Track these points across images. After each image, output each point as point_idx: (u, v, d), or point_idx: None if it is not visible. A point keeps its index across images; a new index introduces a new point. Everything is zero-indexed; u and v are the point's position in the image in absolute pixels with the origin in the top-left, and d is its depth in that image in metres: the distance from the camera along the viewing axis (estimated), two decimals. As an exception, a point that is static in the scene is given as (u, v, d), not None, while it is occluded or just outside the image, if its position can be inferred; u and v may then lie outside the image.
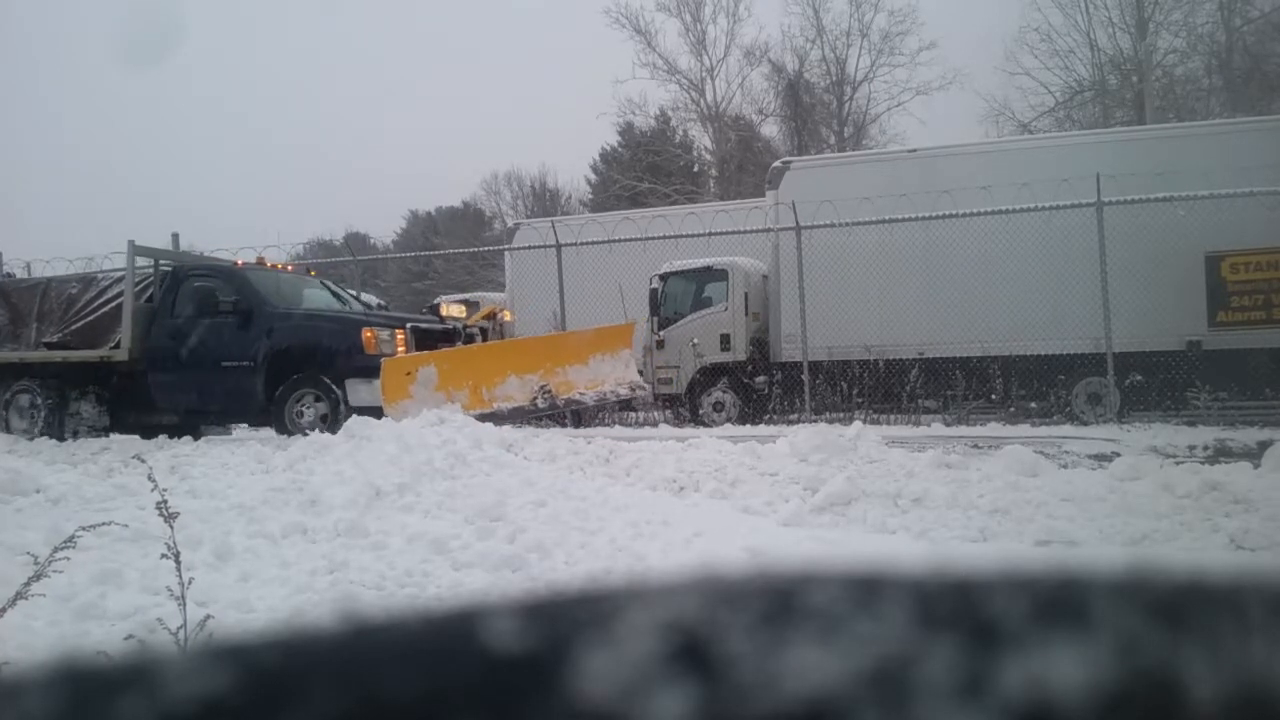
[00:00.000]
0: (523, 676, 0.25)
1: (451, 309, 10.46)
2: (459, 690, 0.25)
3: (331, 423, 8.73)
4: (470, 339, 10.25)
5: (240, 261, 10.93)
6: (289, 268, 11.57)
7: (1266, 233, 10.50)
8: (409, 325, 9.51)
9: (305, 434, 8.53)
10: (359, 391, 8.69)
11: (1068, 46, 27.40)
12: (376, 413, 8.09)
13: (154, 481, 3.07)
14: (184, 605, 2.76)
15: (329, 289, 11.07)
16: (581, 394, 9.89)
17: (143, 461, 3.73)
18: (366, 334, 8.95)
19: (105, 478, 6.94)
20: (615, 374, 10.37)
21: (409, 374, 8.42)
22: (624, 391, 10.36)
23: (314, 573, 4.56)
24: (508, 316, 11.41)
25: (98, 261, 16.13)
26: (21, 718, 0.24)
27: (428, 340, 9.56)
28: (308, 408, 9.09)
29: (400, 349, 9.10)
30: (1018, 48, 27.92)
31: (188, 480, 6.65)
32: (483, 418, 8.24)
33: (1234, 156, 10.42)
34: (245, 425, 10.37)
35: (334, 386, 8.93)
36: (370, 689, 0.25)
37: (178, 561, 2.76)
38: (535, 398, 9.27)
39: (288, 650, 0.27)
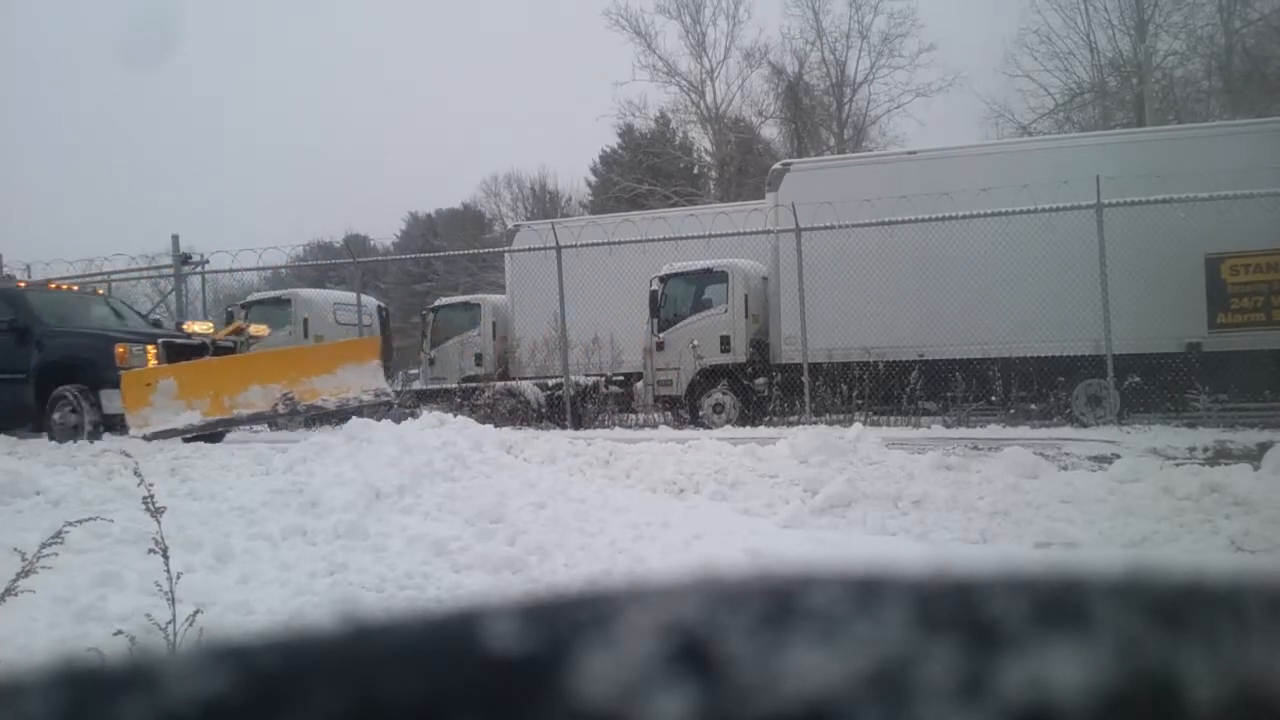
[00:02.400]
0: (523, 678, 0.25)
1: (196, 326, 11.74)
2: (459, 692, 0.25)
3: (86, 429, 9.85)
4: (224, 351, 11.32)
5: (22, 283, 12.44)
6: (73, 288, 12.83)
7: (1266, 235, 10.50)
8: (160, 341, 10.73)
9: (75, 440, 9.57)
10: (112, 400, 9.71)
11: (1067, 48, 27.46)
12: (123, 419, 9.35)
13: (140, 476, 3.06)
14: (173, 601, 2.76)
15: (112, 307, 12.24)
16: (324, 400, 10.84)
17: (128, 455, 3.73)
18: (119, 349, 10.05)
19: (105, 480, 6.93)
20: (362, 382, 11.28)
21: (149, 385, 9.51)
22: (368, 398, 11.25)
23: (314, 574, 4.56)
24: (256, 331, 12.44)
25: (96, 263, 16.24)
26: (21, 719, 0.24)
27: (184, 354, 10.73)
28: (64, 416, 10.13)
29: (151, 362, 10.19)
30: (1017, 50, 27.99)
31: (188, 482, 6.65)
32: (221, 423, 9.94)
33: (1234, 158, 10.42)
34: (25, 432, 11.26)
35: (89, 396, 10.00)
36: (370, 691, 0.25)
37: (165, 556, 2.77)
38: (277, 404, 10.26)
39: (288, 652, 0.27)
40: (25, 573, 2.65)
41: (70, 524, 2.96)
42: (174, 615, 2.74)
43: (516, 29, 73.56)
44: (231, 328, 12.26)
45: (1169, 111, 24.91)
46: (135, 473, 3.13)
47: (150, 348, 10.35)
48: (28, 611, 3.04)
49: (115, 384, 9.58)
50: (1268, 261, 10.80)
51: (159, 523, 2.86)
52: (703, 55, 32.20)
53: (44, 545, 2.74)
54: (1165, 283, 10.73)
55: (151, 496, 2.92)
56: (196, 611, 2.84)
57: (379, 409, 11.12)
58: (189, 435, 9.37)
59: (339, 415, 10.60)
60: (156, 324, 12.82)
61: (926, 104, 36.06)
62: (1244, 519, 5.53)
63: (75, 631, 3.61)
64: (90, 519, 3.34)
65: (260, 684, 0.25)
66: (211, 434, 9.94)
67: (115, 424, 9.57)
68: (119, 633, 3.01)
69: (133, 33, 63.62)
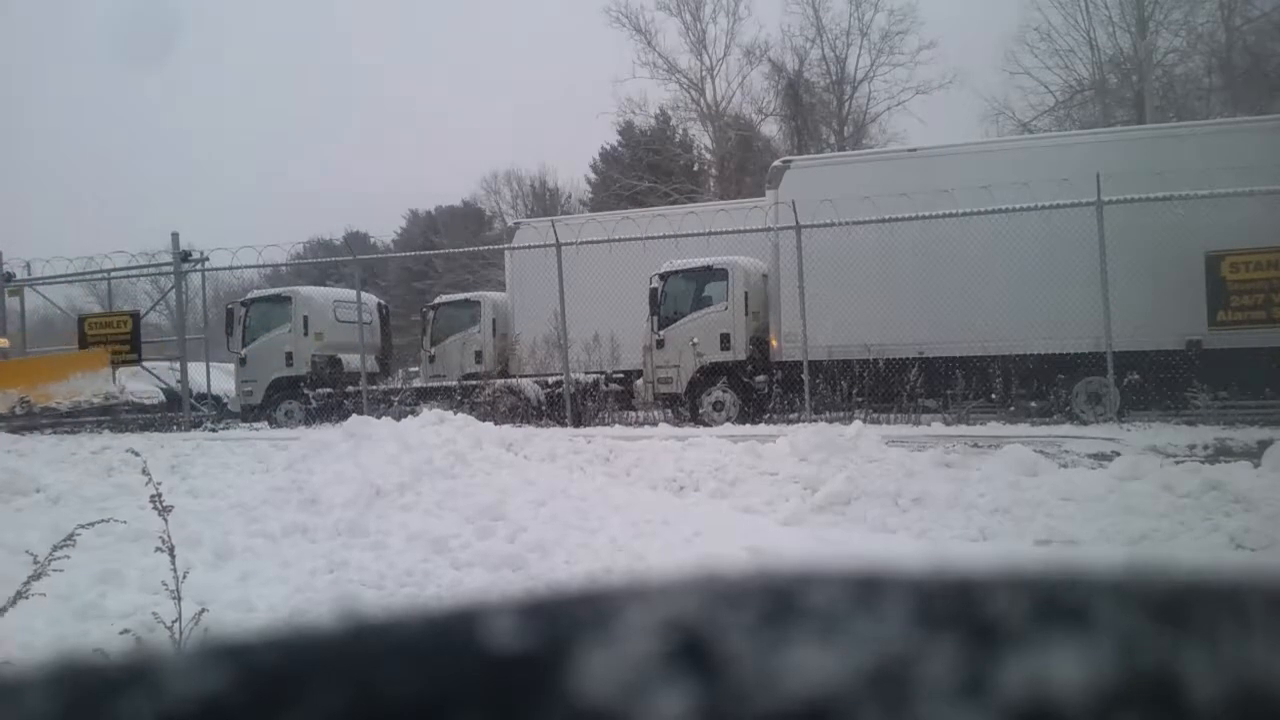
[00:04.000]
0: (523, 676, 0.25)
1: None
2: (459, 690, 0.25)
3: None
4: None
5: None
6: None
7: (1266, 232, 10.48)
8: None
9: None
10: None
11: (1068, 46, 27.47)
12: None
13: (148, 475, 3.06)
14: (179, 600, 2.76)
15: None
16: (59, 404, 12.29)
17: (136, 454, 3.73)
18: None
19: (105, 477, 6.94)
20: (94, 387, 12.77)
21: None
22: (98, 400, 12.79)
23: (314, 572, 4.57)
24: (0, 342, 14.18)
25: (97, 261, 16.23)
26: (22, 718, 0.24)
27: None
28: None
29: None
30: (1018, 47, 27.99)
31: (188, 480, 6.66)
32: None
33: (1234, 156, 10.40)
34: None
35: None
36: (370, 688, 0.25)
37: (172, 555, 2.76)
38: (14, 407, 11.67)
39: (288, 650, 0.27)
40: (37, 575, 2.65)
41: (82, 526, 2.96)
42: (179, 614, 2.74)
43: (516, 26, 73.54)
44: None
45: (1169, 109, 24.89)
46: (144, 471, 3.13)
47: None
48: (28, 609, 3.04)
49: None
50: (1268, 259, 10.78)
51: (165, 521, 2.85)
52: (703, 52, 32.21)
53: (55, 548, 2.73)
54: (1165, 280, 10.72)
55: (159, 495, 2.92)
56: (202, 610, 2.84)
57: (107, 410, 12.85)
58: None
59: (71, 415, 12.18)
60: None
61: (927, 101, 35.88)
62: (1244, 516, 5.54)
63: (76, 629, 3.62)
64: (101, 520, 3.34)
65: (260, 682, 0.25)
66: None
67: None
68: (125, 631, 3.01)
69: (134, 30, 63.57)
